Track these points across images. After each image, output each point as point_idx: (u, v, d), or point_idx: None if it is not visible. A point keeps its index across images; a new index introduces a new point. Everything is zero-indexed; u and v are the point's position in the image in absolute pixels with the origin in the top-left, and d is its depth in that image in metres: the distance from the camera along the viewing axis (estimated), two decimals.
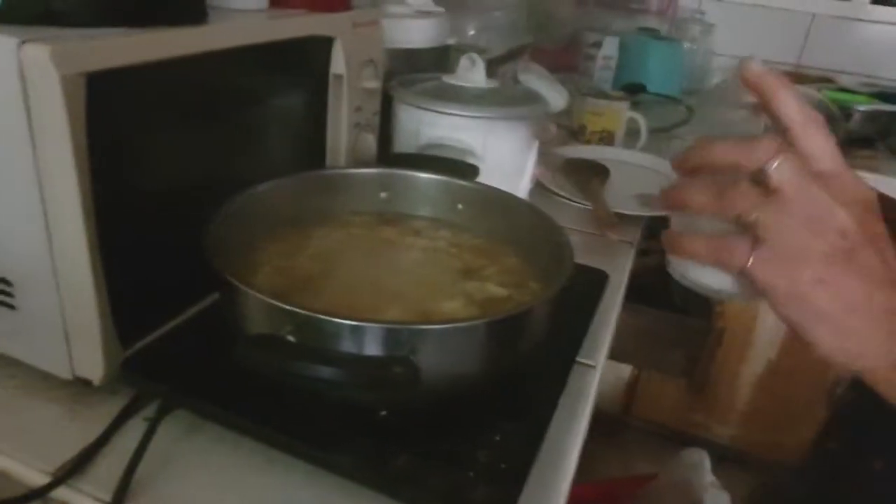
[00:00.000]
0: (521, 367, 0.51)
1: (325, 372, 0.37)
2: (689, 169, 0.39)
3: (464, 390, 0.47)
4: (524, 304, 0.51)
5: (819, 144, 0.35)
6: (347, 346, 0.41)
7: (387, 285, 0.55)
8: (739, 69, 0.37)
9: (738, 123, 1.41)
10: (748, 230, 0.36)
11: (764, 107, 0.37)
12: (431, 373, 0.40)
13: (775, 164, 0.34)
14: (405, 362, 0.38)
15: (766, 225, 0.35)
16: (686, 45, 1.73)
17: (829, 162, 0.35)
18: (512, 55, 1.53)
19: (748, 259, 0.36)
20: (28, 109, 0.40)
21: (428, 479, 0.42)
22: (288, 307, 0.40)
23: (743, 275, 0.37)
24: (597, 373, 0.62)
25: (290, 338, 0.40)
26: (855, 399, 0.65)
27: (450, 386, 0.45)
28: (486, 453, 0.44)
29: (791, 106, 0.36)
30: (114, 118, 0.44)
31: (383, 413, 0.48)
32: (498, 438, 0.46)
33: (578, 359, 0.59)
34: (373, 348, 0.41)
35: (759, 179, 0.34)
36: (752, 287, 0.37)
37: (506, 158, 0.83)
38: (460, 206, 0.65)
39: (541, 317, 0.48)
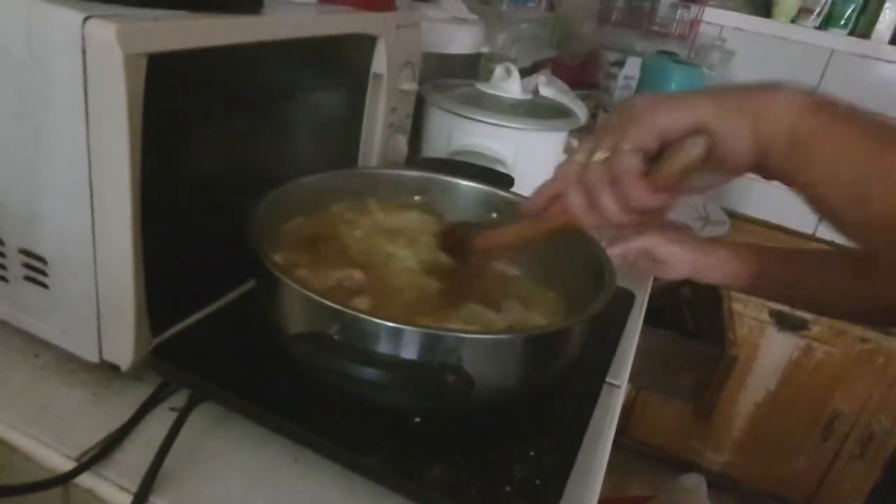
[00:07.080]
0: (555, 383, 0.50)
1: (377, 375, 0.36)
2: None
3: (503, 402, 0.46)
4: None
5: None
6: (389, 348, 0.40)
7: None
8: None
9: None
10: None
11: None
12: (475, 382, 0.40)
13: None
14: (459, 371, 0.37)
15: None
16: (706, 70, 1.74)
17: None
18: (536, 68, 1.53)
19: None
20: (86, 86, 0.39)
21: (465, 491, 0.41)
22: (337, 306, 0.39)
23: None
24: (621, 392, 0.61)
25: (336, 337, 0.39)
26: None
27: (490, 397, 0.44)
28: (522, 468, 0.44)
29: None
30: (166, 102, 0.43)
31: (417, 420, 0.47)
32: (532, 454, 0.45)
33: (607, 379, 0.59)
34: (415, 353, 0.40)
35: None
36: None
37: (536, 169, 0.82)
38: (495, 215, 0.64)
39: (581, 333, 0.48)
